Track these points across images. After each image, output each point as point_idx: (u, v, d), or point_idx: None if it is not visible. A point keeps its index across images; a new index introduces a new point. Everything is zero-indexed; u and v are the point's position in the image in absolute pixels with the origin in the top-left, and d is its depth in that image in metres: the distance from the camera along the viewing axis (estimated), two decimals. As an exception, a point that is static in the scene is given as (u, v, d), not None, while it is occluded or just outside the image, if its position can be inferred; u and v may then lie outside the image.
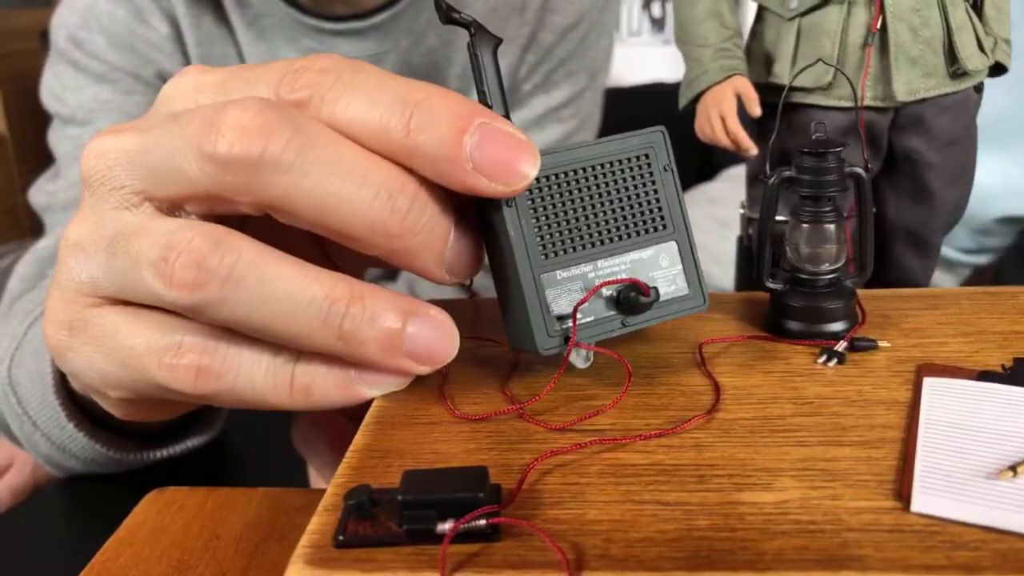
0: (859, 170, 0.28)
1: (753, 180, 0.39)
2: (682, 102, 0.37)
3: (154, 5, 0.68)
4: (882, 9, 0.35)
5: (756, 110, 0.35)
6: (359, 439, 0.25)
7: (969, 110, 0.38)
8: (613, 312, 0.27)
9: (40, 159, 0.76)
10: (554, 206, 0.26)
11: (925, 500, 0.20)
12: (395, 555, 0.20)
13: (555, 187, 0.26)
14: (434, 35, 0.72)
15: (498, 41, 0.26)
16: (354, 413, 0.40)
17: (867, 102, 0.36)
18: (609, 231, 0.27)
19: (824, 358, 0.27)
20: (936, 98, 0.37)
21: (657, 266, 0.27)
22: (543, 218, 0.26)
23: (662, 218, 0.27)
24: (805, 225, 0.29)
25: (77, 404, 0.43)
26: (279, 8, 0.67)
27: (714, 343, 0.29)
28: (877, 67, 0.36)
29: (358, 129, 0.24)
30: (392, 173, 0.23)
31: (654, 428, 0.24)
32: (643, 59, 1.52)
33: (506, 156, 0.23)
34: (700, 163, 1.01)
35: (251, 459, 0.65)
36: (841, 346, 0.28)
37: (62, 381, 0.41)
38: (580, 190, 0.26)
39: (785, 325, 0.29)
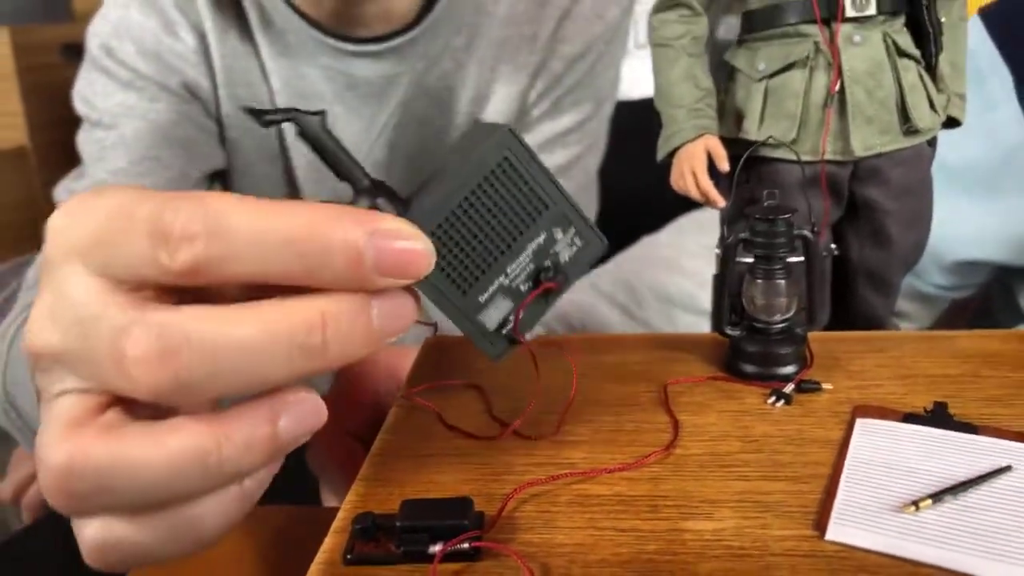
0: (807, 233, 0.32)
1: (726, 223, 0.43)
2: (659, 156, 0.41)
3: (183, 19, 0.72)
4: (840, 73, 0.39)
5: (724, 166, 0.39)
6: (366, 469, 0.29)
7: (923, 163, 0.42)
8: (539, 300, 0.29)
9: (62, 170, 0.80)
10: (451, 249, 0.28)
11: (838, 530, 0.24)
12: (394, 572, 0.24)
13: (445, 233, 0.27)
14: (449, 59, 0.76)
15: (320, 112, 0.28)
16: (363, 435, 0.44)
17: (828, 156, 0.40)
18: (503, 238, 0.28)
19: (773, 399, 0.31)
20: (891, 152, 0.40)
21: (554, 241, 0.29)
22: (447, 264, 0.28)
23: (540, 200, 0.29)
24: (759, 281, 0.32)
25: None
26: (301, 28, 0.71)
27: (679, 383, 0.33)
28: (837, 125, 0.40)
29: (262, 282, 0.24)
30: (290, 319, 0.23)
31: (619, 462, 0.28)
32: (645, 73, 1.56)
33: (404, 256, 0.24)
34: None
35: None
36: (789, 388, 0.31)
37: None
38: (467, 221, 0.28)
39: (742, 368, 0.33)
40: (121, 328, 0.23)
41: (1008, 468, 0.26)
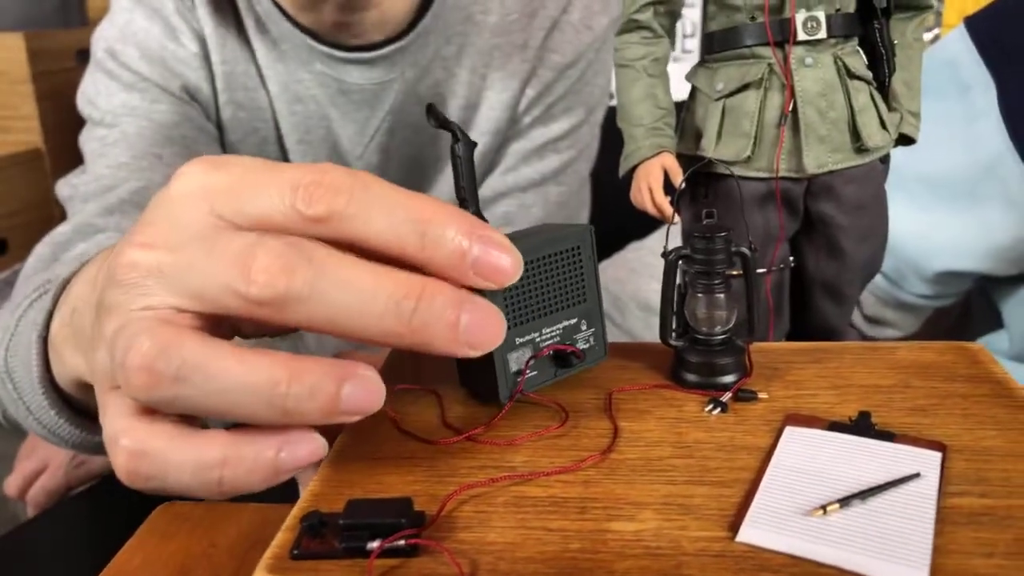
0: (744, 250, 0.34)
1: (686, 237, 0.44)
2: (620, 173, 0.43)
3: (185, 25, 0.75)
4: (793, 94, 0.41)
5: (679, 184, 0.41)
6: (322, 470, 0.31)
7: (875, 179, 0.43)
8: (550, 366, 0.34)
9: (76, 173, 0.83)
10: (516, 288, 0.33)
11: (749, 532, 0.26)
12: (336, 567, 0.26)
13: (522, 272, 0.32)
14: (440, 68, 0.78)
15: (474, 144, 0.33)
16: (337, 434, 0.46)
17: (782, 173, 0.42)
18: (549, 304, 0.34)
19: (710, 407, 0.33)
20: (843, 170, 0.42)
21: (578, 329, 0.35)
22: (509, 298, 0.33)
23: (583, 292, 0.35)
24: (699, 295, 0.34)
25: (61, 394, 0.45)
26: (295, 35, 0.73)
27: (624, 391, 0.35)
28: (790, 143, 0.41)
29: (377, 245, 0.27)
30: (396, 282, 0.26)
31: (556, 466, 0.30)
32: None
33: (499, 264, 0.28)
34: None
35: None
36: (726, 397, 0.33)
37: (46, 373, 0.44)
38: (533, 275, 0.33)
39: (684, 377, 0.35)
40: (251, 243, 0.26)
41: (916, 475, 0.28)
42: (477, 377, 0.34)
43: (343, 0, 0.68)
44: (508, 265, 0.28)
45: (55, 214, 1.53)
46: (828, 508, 0.26)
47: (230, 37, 0.76)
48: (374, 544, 0.26)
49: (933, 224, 0.66)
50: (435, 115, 0.32)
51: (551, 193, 0.83)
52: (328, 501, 0.29)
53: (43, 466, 0.81)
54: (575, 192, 0.86)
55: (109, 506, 0.59)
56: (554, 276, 0.34)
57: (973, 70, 0.64)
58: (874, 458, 0.29)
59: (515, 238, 0.32)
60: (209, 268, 0.27)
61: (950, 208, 0.66)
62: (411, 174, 0.82)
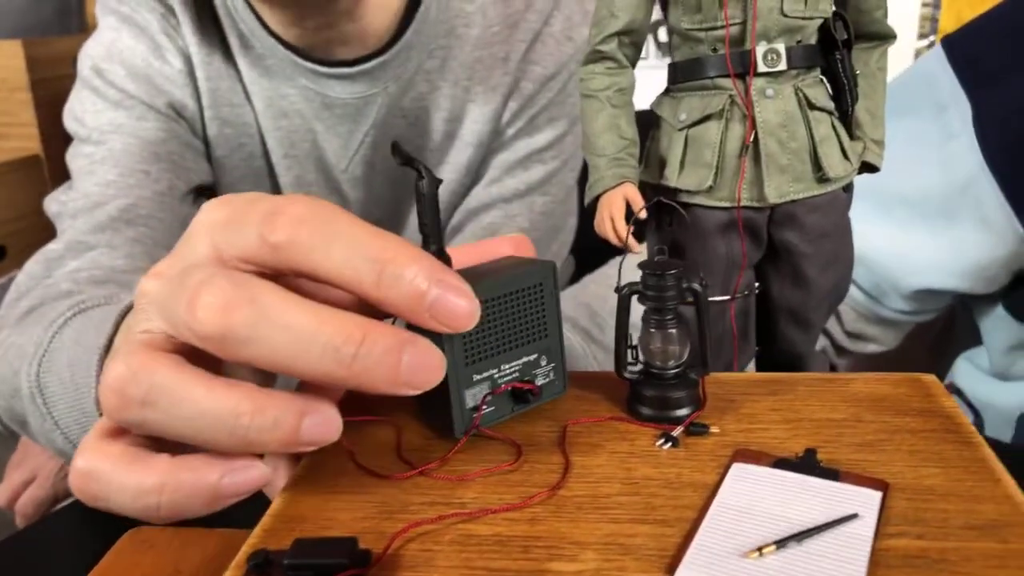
0: (696, 285, 0.34)
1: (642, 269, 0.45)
2: (585, 202, 0.43)
3: (171, 43, 0.76)
4: (754, 125, 0.41)
5: (641, 214, 0.41)
6: (276, 504, 0.31)
7: (838, 208, 0.44)
8: (508, 402, 0.35)
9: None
10: (476, 326, 0.32)
11: (684, 573, 0.26)
12: (280, 606, 0.26)
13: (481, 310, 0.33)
14: (423, 82, 0.79)
15: (439, 181, 0.33)
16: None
17: (744, 202, 0.42)
18: (509, 340, 0.35)
19: (661, 441, 0.33)
20: (805, 199, 0.42)
21: (538, 364, 0.36)
22: (468, 335, 0.33)
23: (544, 328, 0.35)
24: (652, 330, 0.34)
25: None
26: (279, 51, 0.74)
27: (579, 424, 0.35)
28: (752, 173, 0.42)
29: (333, 279, 0.28)
30: (337, 327, 0.27)
31: (505, 503, 0.30)
32: (650, 83, 1.58)
33: (456, 310, 0.28)
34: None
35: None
36: (677, 431, 0.34)
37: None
38: (494, 313, 0.34)
39: (639, 410, 0.35)
40: (207, 277, 0.28)
41: (854, 516, 0.28)
42: (434, 411, 0.35)
43: (325, 15, 0.68)
44: (465, 311, 0.29)
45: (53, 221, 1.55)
46: (764, 550, 0.27)
47: (215, 54, 0.76)
48: (317, 584, 0.26)
49: (910, 242, 0.67)
50: (399, 153, 0.32)
51: (536, 203, 0.84)
52: (278, 538, 0.29)
53: (32, 476, 0.82)
54: (561, 202, 0.86)
55: (88, 522, 0.60)
56: (515, 313, 0.34)
57: (949, 90, 0.64)
58: (816, 497, 0.29)
59: (477, 275, 0.33)
60: (173, 301, 0.28)
61: (926, 226, 0.66)
62: (396, 187, 0.83)
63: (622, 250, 0.41)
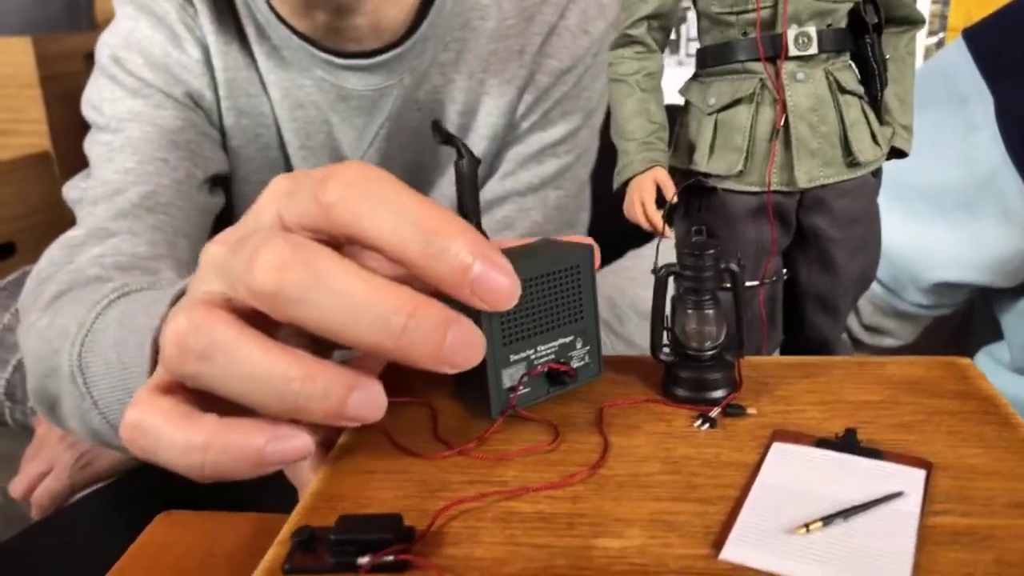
0: (734, 266, 0.34)
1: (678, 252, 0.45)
2: (614, 187, 0.43)
3: (188, 32, 0.76)
4: (785, 109, 0.41)
5: (672, 198, 0.41)
6: (315, 484, 0.31)
7: (868, 193, 0.44)
8: (543, 383, 0.35)
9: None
10: (514, 306, 0.32)
11: (732, 550, 0.26)
12: (327, 582, 0.26)
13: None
14: (438, 74, 0.79)
15: (478, 161, 0.33)
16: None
17: (774, 187, 0.42)
18: (546, 322, 0.35)
19: (699, 422, 0.33)
20: (835, 184, 0.42)
21: (574, 347, 0.36)
22: (506, 316, 0.33)
23: (580, 311, 0.35)
24: (689, 311, 0.34)
25: None
26: (294, 42, 0.74)
27: (615, 405, 0.35)
28: (782, 157, 0.42)
29: (379, 244, 0.28)
30: (388, 297, 0.27)
31: (546, 481, 0.30)
32: (671, 72, 1.58)
33: (498, 287, 0.28)
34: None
35: (249, 485, 0.73)
36: (714, 412, 0.33)
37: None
38: (532, 293, 0.34)
39: (675, 392, 0.35)
40: (268, 237, 0.28)
41: (900, 494, 0.28)
42: (471, 390, 0.35)
43: (334, 5, 0.68)
44: (506, 290, 0.28)
45: (63, 217, 1.54)
46: (811, 526, 0.27)
47: (232, 44, 0.76)
48: (364, 560, 0.26)
49: (930, 235, 0.67)
50: (440, 131, 0.33)
51: (550, 197, 0.84)
52: (320, 516, 0.29)
53: (48, 468, 0.82)
54: (574, 196, 0.86)
55: (113, 511, 0.60)
56: (552, 295, 0.34)
57: (971, 82, 0.64)
58: (859, 475, 0.29)
59: (516, 255, 0.33)
60: (234, 261, 0.29)
61: (947, 219, 0.66)
62: (411, 179, 0.83)
63: (639, 241, 0.41)
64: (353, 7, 0.70)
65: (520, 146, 0.83)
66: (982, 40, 0.65)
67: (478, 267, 0.28)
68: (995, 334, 0.74)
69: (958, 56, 0.66)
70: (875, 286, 0.73)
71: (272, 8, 0.73)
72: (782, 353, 0.48)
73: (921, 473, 0.29)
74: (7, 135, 1.63)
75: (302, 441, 0.29)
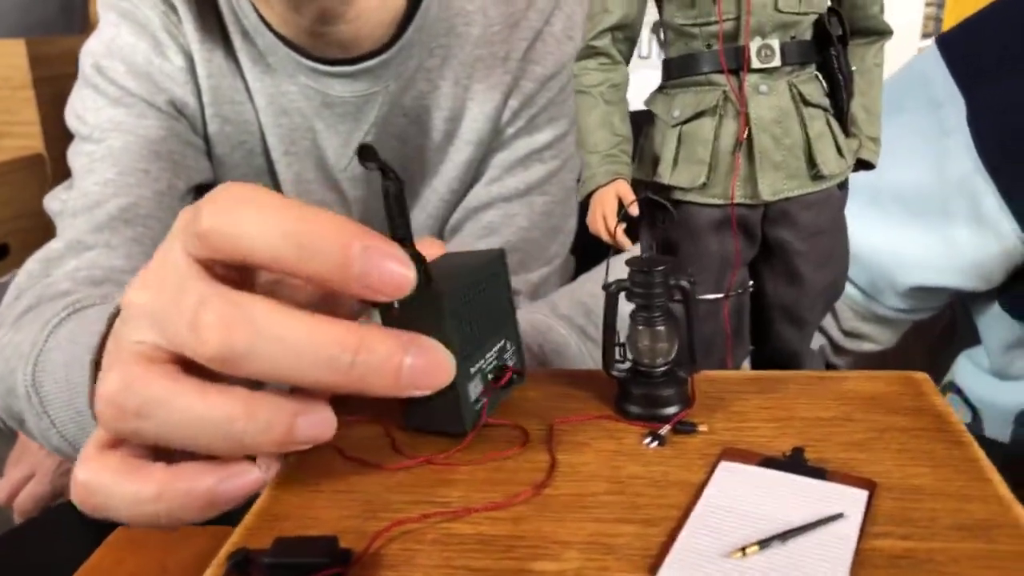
0: (684, 282, 0.34)
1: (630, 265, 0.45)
2: (578, 198, 0.43)
3: (171, 40, 0.76)
4: (748, 121, 0.41)
5: (633, 211, 0.41)
6: (259, 503, 0.31)
7: (833, 205, 0.43)
8: (495, 389, 0.35)
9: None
10: (465, 319, 0.33)
11: (667, 574, 0.26)
12: (259, 605, 0.26)
13: (464, 305, 0.33)
14: (423, 80, 0.79)
15: (403, 183, 0.33)
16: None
17: (738, 200, 0.42)
18: (487, 330, 0.35)
19: (648, 440, 0.33)
20: (799, 197, 0.42)
21: (506, 349, 0.36)
22: (462, 329, 0.33)
23: (504, 314, 0.36)
24: (640, 327, 0.34)
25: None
26: (280, 49, 0.74)
27: (567, 422, 0.35)
28: (746, 170, 0.41)
29: (259, 262, 0.28)
30: (330, 336, 0.27)
31: (489, 501, 0.30)
32: (653, 82, 1.58)
33: (387, 271, 0.27)
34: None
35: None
36: (664, 430, 0.33)
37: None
38: (474, 304, 0.34)
39: (627, 408, 0.35)
40: (201, 300, 0.27)
41: (840, 515, 0.28)
42: (432, 413, 0.34)
43: (316, 11, 0.68)
44: (398, 273, 0.27)
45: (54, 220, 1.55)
46: (747, 550, 0.26)
47: (216, 51, 0.76)
48: (297, 583, 0.26)
49: (905, 239, 0.66)
50: (366, 156, 0.31)
51: (536, 203, 0.84)
52: (261, 535, 0.29)
53: (31, 473, 0.82)
54: (560, 201, 0.86)
55: (88, 517, 0.60)
56: (486, 303, 0.35)
57: (944, 87, 0.64)
58: (802, 496, 0.29)
59: (441, 270, 0.33)
60: (172, 318, 0.28)
61: (921, 223, 0.66)
62: None
63: (620, 249, 0.41)
64: (337, 12, 0.70)
65: (506, 152, 0.83)
66: (955, 45, 0.65)
67: (359, 261, 0.27)
68: (978, 338, 0.73)
69: (932, 61, 0.65)
70: (854, 291, 0.72)
71: (259, 14, 0.73)
72: (752, 364, 0.48)
73: (864, 494, 0.29)
74: (0, 137, 1.63)
75: (253, 476, 0.29)
